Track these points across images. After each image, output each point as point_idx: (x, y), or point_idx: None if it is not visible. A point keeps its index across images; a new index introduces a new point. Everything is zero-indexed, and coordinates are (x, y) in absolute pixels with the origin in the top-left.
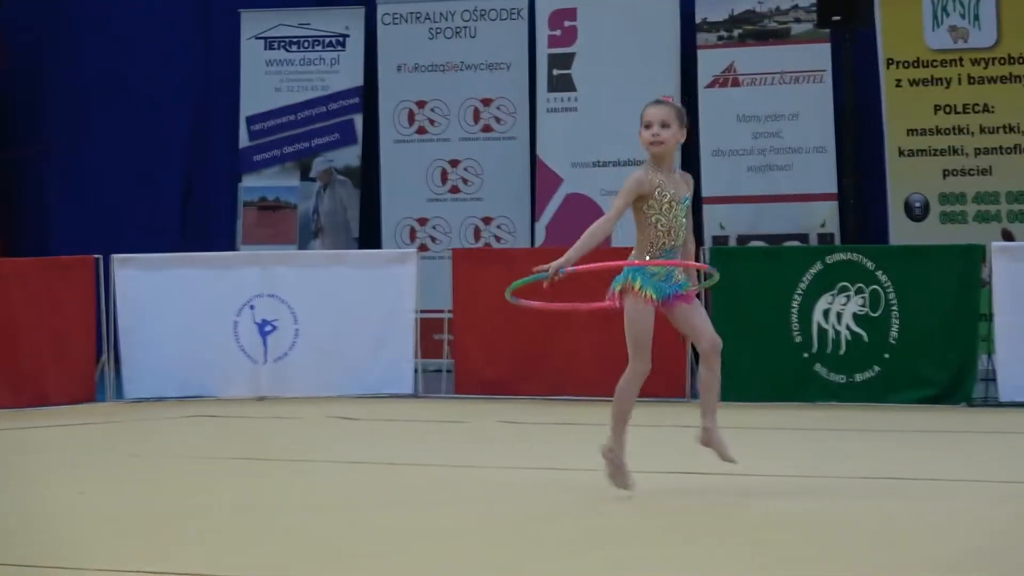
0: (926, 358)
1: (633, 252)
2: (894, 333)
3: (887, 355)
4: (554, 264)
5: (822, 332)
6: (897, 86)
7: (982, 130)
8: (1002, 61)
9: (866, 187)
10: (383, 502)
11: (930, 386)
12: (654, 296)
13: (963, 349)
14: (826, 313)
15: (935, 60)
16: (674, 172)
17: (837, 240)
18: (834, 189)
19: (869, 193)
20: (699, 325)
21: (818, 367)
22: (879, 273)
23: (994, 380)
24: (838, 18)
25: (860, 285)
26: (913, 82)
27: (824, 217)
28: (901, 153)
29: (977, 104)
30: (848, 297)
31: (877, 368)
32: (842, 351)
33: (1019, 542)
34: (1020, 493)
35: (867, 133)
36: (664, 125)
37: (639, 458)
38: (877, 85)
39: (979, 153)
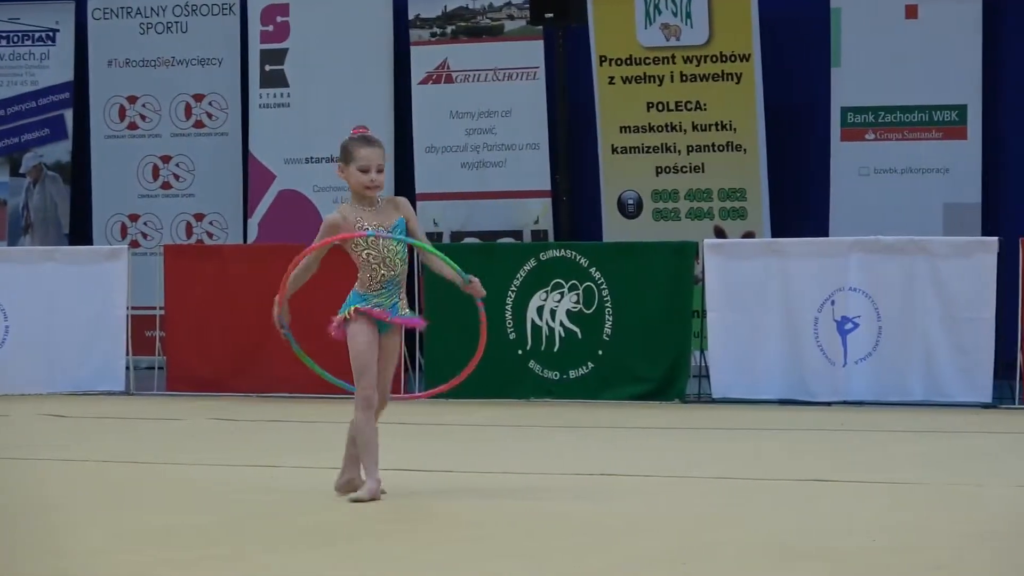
0: (640, 355)
1: (354, 289)
2: (608, 330)
3: (601, 352)
4: (275, 309)
5: (536, 329)
6: (610, 83)
7: (694, 128)
8: (714, 59)
9: (579, 184)
10: (96, 500)
11: (644, 383)
12: (376, 310)
13: (676, 346)
14: (540, 310)
15: (648, 58)
16: (377, 203)
17: (551, 237)
18: (548, 186)
19: (582, 190)
20: (383, 371)
21: (532, 364)
22: (593, 270)
23: (707, 377)
24: (551, 15)
25: (574, 282)
26: (626, 79)
27: (538, 214)
28: (614, 150)
29: (689, 102)
30: (562, 294)
31: (591, 365)
32: (556, 348)
33: (732, 535)
34: (731, 487)
35: (580, 130)
36: (380, 170)
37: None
38: (590, 82)
39: (692, 151)
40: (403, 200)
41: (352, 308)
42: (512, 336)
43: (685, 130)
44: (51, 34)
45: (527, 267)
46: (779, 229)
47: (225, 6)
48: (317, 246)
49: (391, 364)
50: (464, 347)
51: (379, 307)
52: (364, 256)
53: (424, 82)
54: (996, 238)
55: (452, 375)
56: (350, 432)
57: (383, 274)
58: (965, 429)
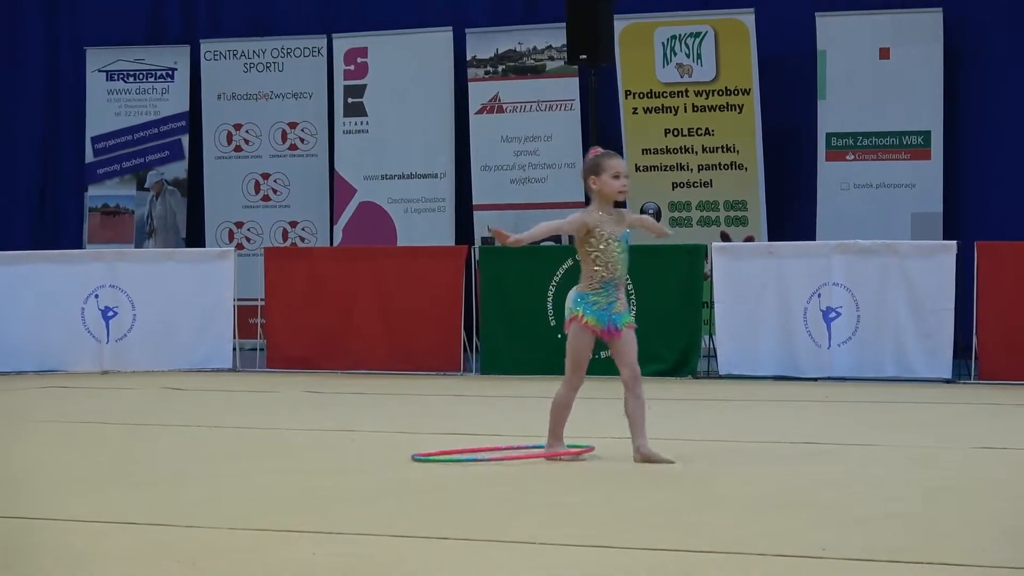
0: (659, 338)
1: (578, 284)
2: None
3: None
4: (512, 238)
5: None
6: (634, 113)
7: (704, 150)
8: (720, 93)
9: None
10: (207, 460)
11: (663, 361)
12: (593, 324)
13: (689, 331)
14: None
15: (665, 91)
16: (612, 212)
17: None
18: (582, 199)
19: None
20: (624, 353)
21: None
22: None
23: (714, 356)
24: (584, 57)
25: None
26: (647, 110)
27: None
28: (637, 169)
29: (700, 128)
30: None
31: None
32: None
33: (733, 489)
34: (733, 448)
35: None
36: (627, 176)
37: (420, 422)
38: (617, 112)
39: (702, 169)
40: (627, 211)
41: (582, 315)
42: (553, 323)
43: (696, 152)
44: (170, 72)
45: (565, 266)
46: (774, 234)
47: (314, 49)
48: (564, 225)
49: (632, 347)
50: (516, 331)
51: (596, 304)
52: (592, 257)
53: (479, 112)
54: (955, 242)
55: (505, 357)
56: (627, 407)
57: (603, 275)
58: (929, 401)
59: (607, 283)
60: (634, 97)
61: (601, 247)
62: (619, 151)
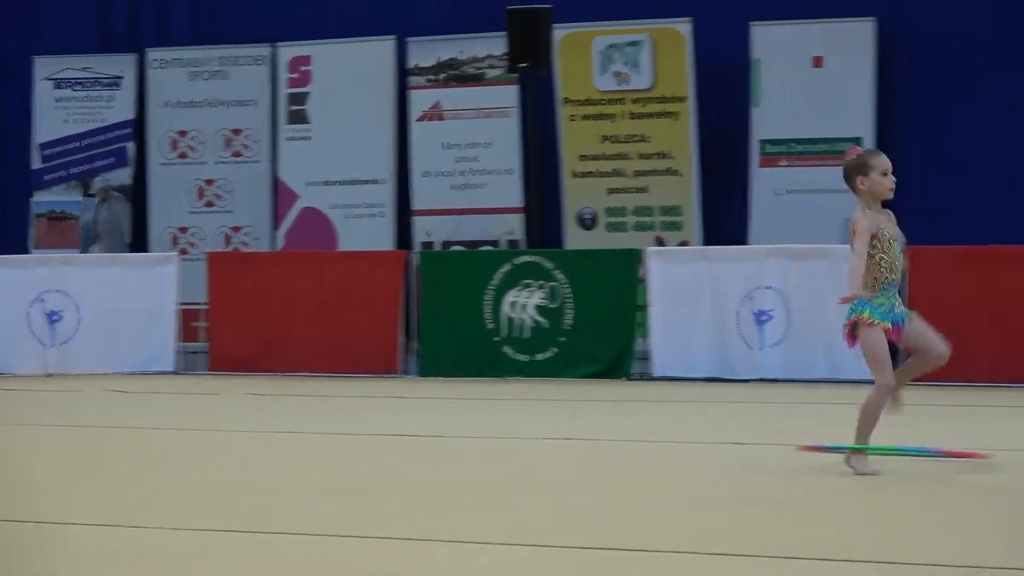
0: (595, 341)
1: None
2: (568, 320)
3: (563, 338)
4: (852, 295)
5: (510, 320)
6: (571, 120)
7: (640, 156)
8: (657, 100)
9: (546, 202)
10: (149, 461)
11: (598, 363)
12: (880, 321)
13: (624, 333)
14: (513, 304)
15: (603, 99)
16: (884, 212)
17: (522, 245)
18: (520, 204)
19: (548, 207)
20: (927, 337)
21: (506, 348)
22: (556, 272)
23: (648, 359)
24: (524, 65)
25: (541, 282)
26: (585, 117)
27: (512, 226)
28: (574, 175)
29: (636, 135)
30: (531, 291)
31: (555, 349)
32: (526, 335)
33: (679, 488)
34: (671, 449)
35: (547, 158)
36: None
37: (365, 423)
38: (555, 119)
39: (638, 175)
40: (891, 213)
41: (868, 316)
42: (490, 326)
43: (632, 158)
44: (117, 81)
45: (503, 269)
46: (708, 239)
47: (259, 57)
48: (864, 246)
49: (927, 329)
50: (454, 334)
51: (881, 307)
52: (877, 259)
53: (421, 119)
54: None
55: (444, 359)
56: (862, 410)
57: (887, 277)
58: (859, 401)
59: (889, 285)
60: (572, 104)
61: (885, 247)
62: (556, 156)
